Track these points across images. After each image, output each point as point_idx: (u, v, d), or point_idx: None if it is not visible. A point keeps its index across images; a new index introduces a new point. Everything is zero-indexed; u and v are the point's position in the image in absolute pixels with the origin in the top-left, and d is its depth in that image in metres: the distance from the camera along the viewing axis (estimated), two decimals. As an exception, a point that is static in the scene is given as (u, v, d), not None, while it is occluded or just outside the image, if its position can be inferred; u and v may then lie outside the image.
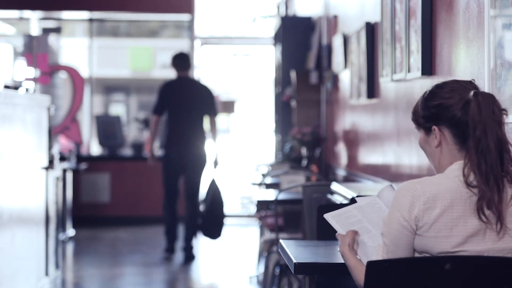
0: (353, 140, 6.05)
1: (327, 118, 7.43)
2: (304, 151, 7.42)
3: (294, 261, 2.63)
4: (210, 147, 7.84)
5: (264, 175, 7.21)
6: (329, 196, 4.41)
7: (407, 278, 2.17)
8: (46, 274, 5.94)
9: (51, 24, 11.47)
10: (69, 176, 8.70)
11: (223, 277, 7.11)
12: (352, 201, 3.24)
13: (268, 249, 5.72)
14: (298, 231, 5.64)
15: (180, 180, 7.82)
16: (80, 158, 9.84)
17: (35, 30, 11.03)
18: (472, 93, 2.23)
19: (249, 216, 10.73)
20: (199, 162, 7.71)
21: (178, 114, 7.65)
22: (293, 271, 2.65)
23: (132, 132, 12.05)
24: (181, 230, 8.34)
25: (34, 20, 11.08)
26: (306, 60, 8.42)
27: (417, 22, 3.89)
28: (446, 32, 3.60)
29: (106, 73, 13.73)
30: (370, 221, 2.48)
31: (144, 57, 13.89)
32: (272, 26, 10.79)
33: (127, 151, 10.73)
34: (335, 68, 6.73)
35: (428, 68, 3.80)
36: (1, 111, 4.77)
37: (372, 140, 5.36)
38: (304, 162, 7.38)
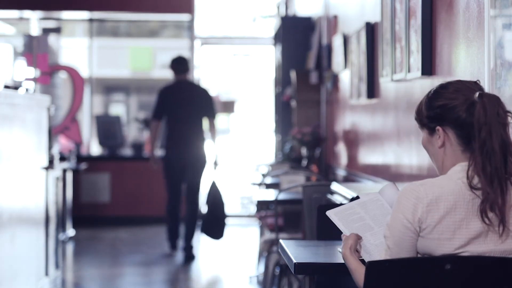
0: (353, 140, 6.05)
1: (327, 118, 7.43)
2: (304, 151, 7.42)
3: (294, 261, 2.63)
4: (210, 148, 7.89)
5: (264, 175, 7.21)
6: (329, 196, 4.41)
7: (407, 278, 2.17)
8: (46, 274, 5.94)
9: (51, 24, 11.46)
10: (69, 176, 8.70)
11: (223, 277, 7.11)
12: (352, 201, 3.23)
13: (268, 249, 5.72)
14: (298, 231, 5.64)
15: (181, 181, 7.88)
16: (80, 158, 9.84)
17: (35, 30, 11.03)
18: (477, 94, 2.22)
19: (249, 216, 10.73)
20: (199, 163, 7.78)
21: (178, 117, 7.74)
22: (293, 271, 2.65)
23: (132, 132, 12.05)
24: (181, 230, 8.35)
25: (34, 20, 11.08)
26: (306, 60, 8.42)
27: (417, 22, 3.89)
28: (446, 32, 3.60)
29: (106, 73, 13.73)
30: (372, 218, 2.47)
31: (144, 57, 13.89)
32: (272, 26, 10.79)
33: (127, 151, 10.73)
34: (335, 68, 6.73)
35: (428, 68, 3.80)
36: (1, 111, 4.77)
37: (372, 140, 5.36)
38: (304, 162, 7.38)
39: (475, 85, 2.28)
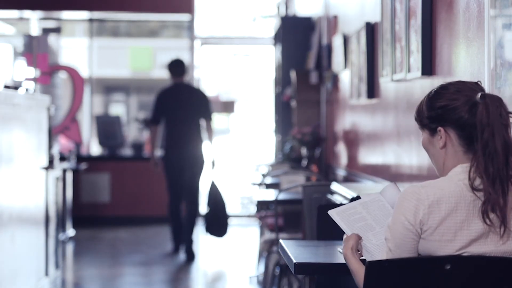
0: (353, 140, 6.05)
1: (327, 118, 7.42)
2: (304, 151, 7.42)
3: (294, 261, 2.63)
4: (207, 149, 7.95)
5: (264, 175, 7.21)
6: (329, 196, 4.41)
7: (407, 278, 2.17)
8: (46, 274, 5.94)
9: (51, 24, 11.46)
10: (69, 176, 8.70)
11: (223, 277, 7.11)
12: (352, 201, 3.23)
13: (268, 249, 5.72)
14: (298, 231, 5.64)
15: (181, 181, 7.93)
16: (80, 158, 9.84)
17: (35, 30, 11.02)
18: (479, 95, 2.21)
19: (249, 216, 10.73)
20: (197, 163, 7.87)
21: (176, 118, 7.85)
22: (293, 271, 2.65)
23: (132, 132, 12.05)
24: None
25: (34, 20, 11.08)
26: (306, 60, 8.42)
27: (417, 22, 3.89)
28: (446, 32, 3.60)
29: (106, 73, 13.73)
30: (374, 218, 2.47)
31: (144, 57, 13.89)
32: (272, 26, 10.78)
33: (127, 151, 10.73)
34: (335, 68, 6.72)
35: (428, 68, 3.80)
36: (1, 111, 4.77)
37: (372, 140, 5.36)
38: (304, 162, 7.38)
39: (476, 86, 2.27)
